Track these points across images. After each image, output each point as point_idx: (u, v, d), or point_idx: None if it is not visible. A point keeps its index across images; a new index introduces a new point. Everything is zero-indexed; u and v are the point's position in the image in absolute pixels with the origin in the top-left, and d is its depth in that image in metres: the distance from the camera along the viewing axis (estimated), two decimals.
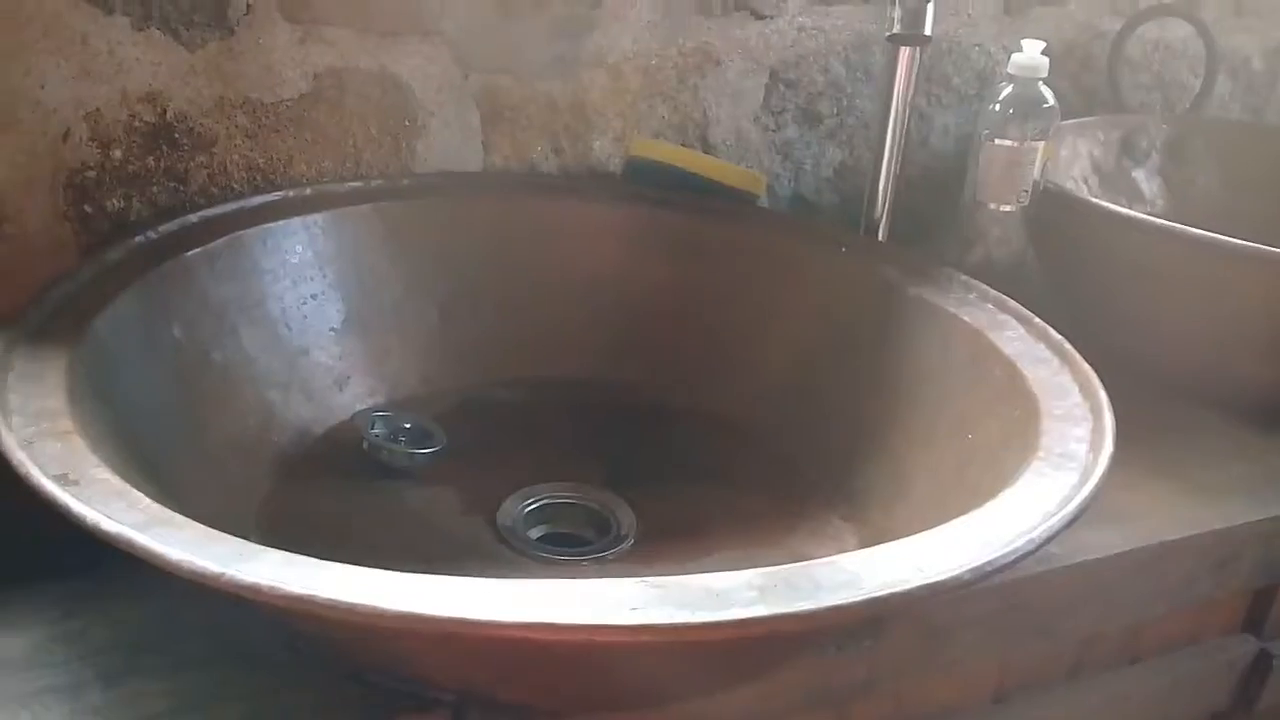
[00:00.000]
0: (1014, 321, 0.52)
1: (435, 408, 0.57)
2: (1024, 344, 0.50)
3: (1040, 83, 0.65)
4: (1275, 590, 0.58)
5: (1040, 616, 0.50)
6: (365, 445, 0.52)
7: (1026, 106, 0.64)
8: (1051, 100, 0.65)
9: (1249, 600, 0.58)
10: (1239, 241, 0.56)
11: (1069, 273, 0.66)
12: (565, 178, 0.67)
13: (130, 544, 0.32)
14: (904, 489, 0.50)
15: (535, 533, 0.51)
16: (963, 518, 0.38)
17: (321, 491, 0.51)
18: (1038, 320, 0.52)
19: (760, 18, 0.69)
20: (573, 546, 0.50)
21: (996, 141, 0.65)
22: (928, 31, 0.60)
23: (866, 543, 0.47)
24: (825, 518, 0.52)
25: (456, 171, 0.64)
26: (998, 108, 0.65)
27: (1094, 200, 0.62)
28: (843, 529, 0.51)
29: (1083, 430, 0.44)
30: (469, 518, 0.50)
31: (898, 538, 0.37)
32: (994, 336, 0.51)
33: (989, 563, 0.35)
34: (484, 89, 0.64)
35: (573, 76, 0.65)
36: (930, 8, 0.59)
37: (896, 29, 0.60)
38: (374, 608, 0.30)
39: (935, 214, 0.71)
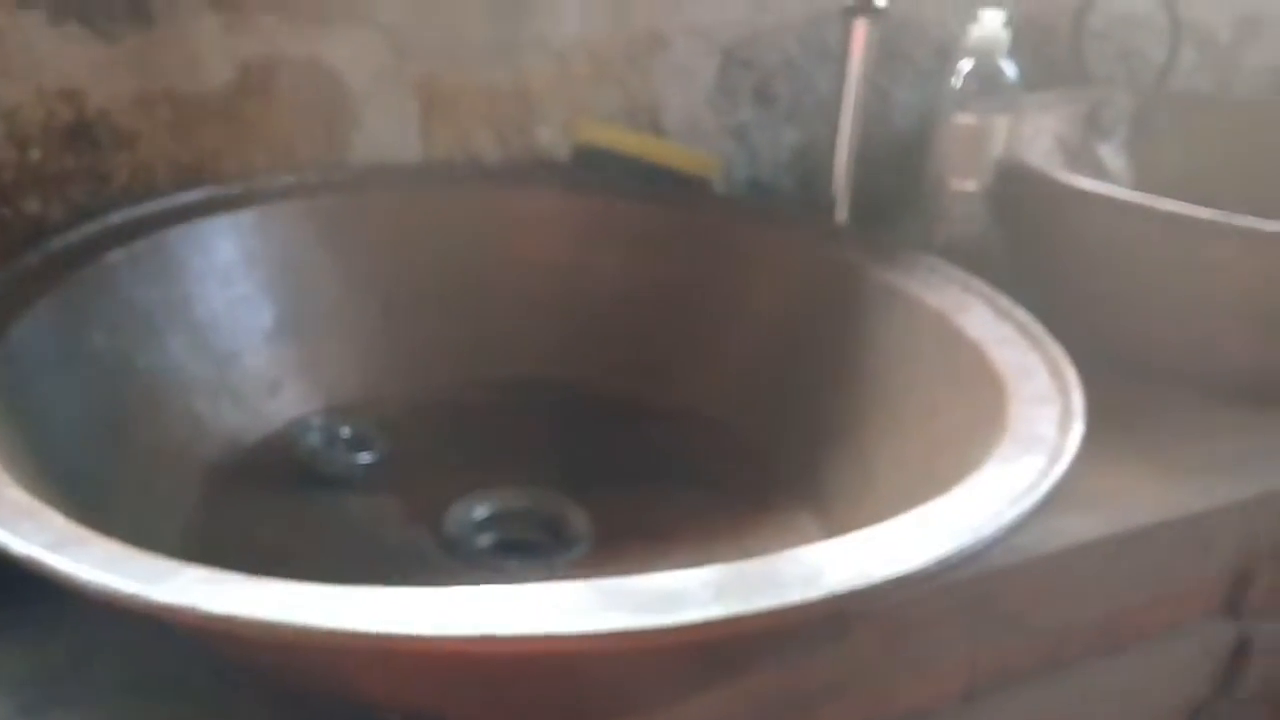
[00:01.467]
0: (979, 302, 0.51)
1: (377, 412, 0.54)
2: (990, 325, 0.49)
3: (1001, 56, 0.63)
4: (1254, 571, 0.56)
5: (1012, 609, 0.48)
6: (300, 454, 0.50)
7: (987, 81, 0.63)
8: (1013, 74, 0.63)
9: (1228, 582, 0.56)
10: (1212, 215, 0.55)
11: (1036, 252, 0.64)
12: (510, 168, 0.64)
13: (39, 565, 0.30)
14: (871, 481, 0.48)
15: (484, 541, 0.48)
16: (927, 506, 0.36)
17: (254, 505, 0.48)
18: (1003, 299, 0.51)
19: None
20: (524, 554, 0.47)
21: (958, 118, 0.63)
22: (881, 3, 0.58)
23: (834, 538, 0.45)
24: (792, 513, 0.50)
25: (395, 164, 0.62)
26: (958, 83, 0.63)
27: (1061, 176, 0.60)
28: (810, 525, 0.49)
29: (1051, 411, 0.42)
30: (412, 528, 0.48)
31: None
32: (959, 319, 0.50)
33: (958, 551, 0.34)
34: (422, 77, 0.61)
35: (515, 61, 0.63)
36: None
37: (851, 1, 0.59)
38: (298, 625, 0.28)
39: (897, 194, 0.69)
